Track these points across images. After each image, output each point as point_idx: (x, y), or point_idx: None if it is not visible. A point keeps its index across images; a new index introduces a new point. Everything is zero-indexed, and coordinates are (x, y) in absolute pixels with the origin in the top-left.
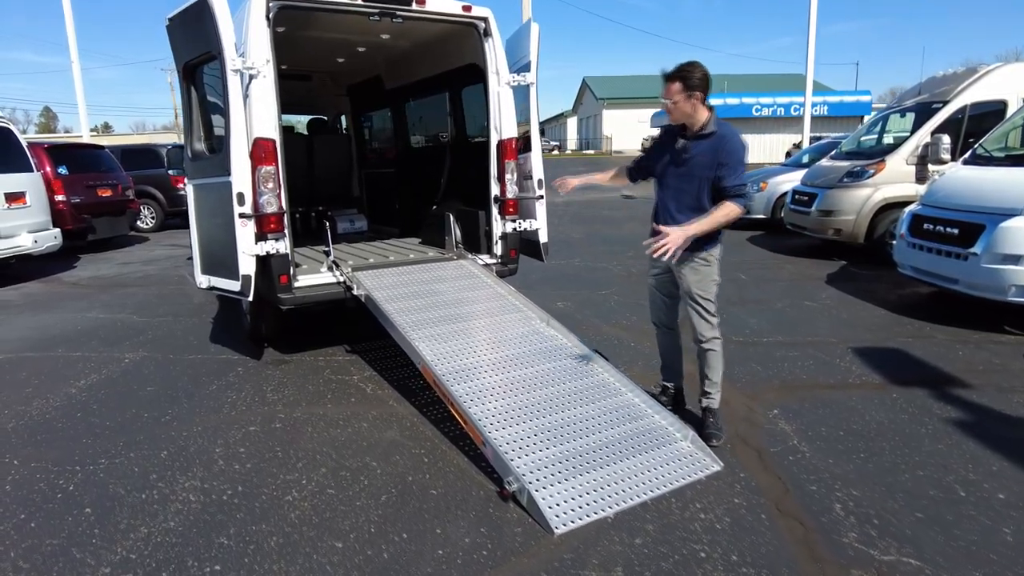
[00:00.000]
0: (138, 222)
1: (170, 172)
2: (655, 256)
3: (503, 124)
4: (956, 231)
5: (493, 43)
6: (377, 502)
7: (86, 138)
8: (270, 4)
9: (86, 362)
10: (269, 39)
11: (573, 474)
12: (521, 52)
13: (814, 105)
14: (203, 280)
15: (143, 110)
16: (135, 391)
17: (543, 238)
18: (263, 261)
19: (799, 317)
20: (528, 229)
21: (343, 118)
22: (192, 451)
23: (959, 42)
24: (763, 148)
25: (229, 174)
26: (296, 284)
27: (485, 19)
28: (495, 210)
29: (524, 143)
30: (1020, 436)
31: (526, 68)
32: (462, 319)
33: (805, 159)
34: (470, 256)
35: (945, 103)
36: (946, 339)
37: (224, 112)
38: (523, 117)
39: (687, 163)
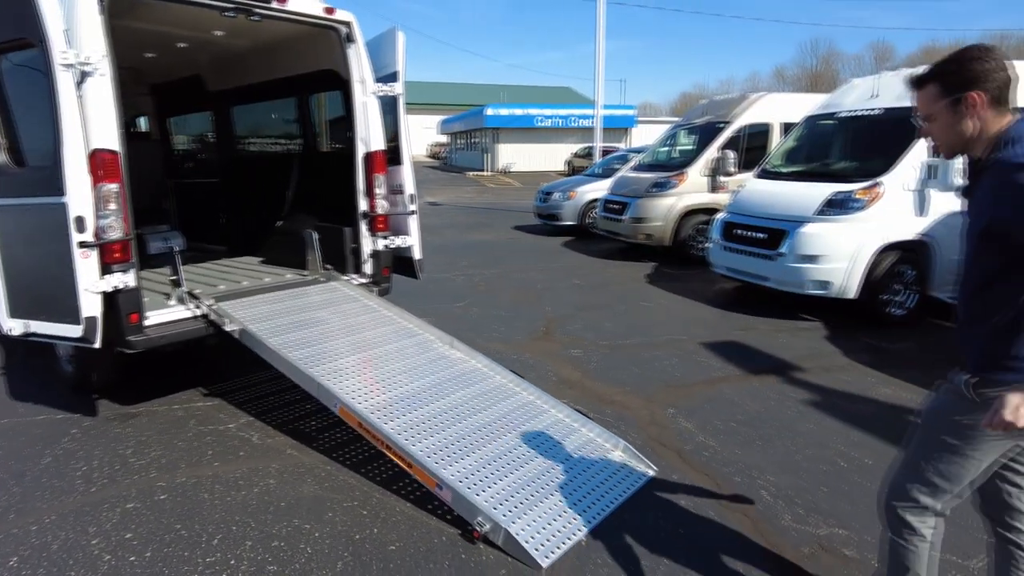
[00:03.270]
0: None
1: None
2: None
3: (371, 136)
4: (764, 236)
5: (358, 50)
6: (333, 571)
7: None
8: None
9: None
10: (105, 28)
11: (535, 502)
12: (384, 60)
13: (588, 117)
14: (15, 325)
15: None
16: None
17: (417, 255)
18: (109, 298)
19: (645, 318)
20: (401, 246)
21: (142, 120)
22: (56, 549)
23: (711, 64)
24: (546, 157)
25: (62, 193)
26: (146, 322)
27: (348, 23)
28: (364, 226)
29: (392, 156)
30: (857, 408)
31: (391, 78)
32: (361, 348)
33: (599, 170)
34: (342, 277)
35: (727, 123)
36: (767, 329)
37: (53, 117)
38: (390, 129)
39: (968, 216)
